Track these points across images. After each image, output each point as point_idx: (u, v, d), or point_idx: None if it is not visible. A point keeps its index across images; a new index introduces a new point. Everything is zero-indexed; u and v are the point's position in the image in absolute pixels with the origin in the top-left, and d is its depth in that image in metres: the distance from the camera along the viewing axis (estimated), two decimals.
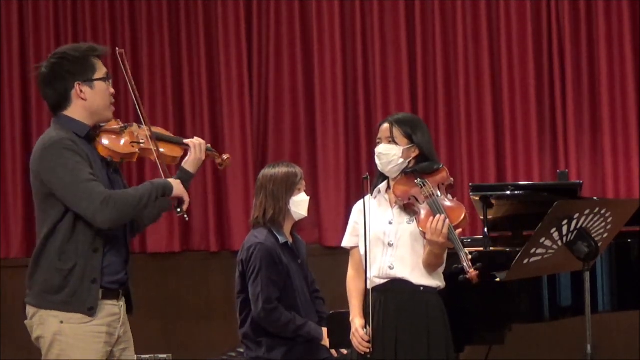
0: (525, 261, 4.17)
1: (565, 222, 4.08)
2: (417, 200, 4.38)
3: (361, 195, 4.57)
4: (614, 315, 5.78)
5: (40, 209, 4.01)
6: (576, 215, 4.08)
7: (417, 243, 4.39)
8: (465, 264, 4.24)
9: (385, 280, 4.41)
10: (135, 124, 4.20)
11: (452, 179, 4.48)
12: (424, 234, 4.30)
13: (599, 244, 4.16)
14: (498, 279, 4.40)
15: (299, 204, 5.27)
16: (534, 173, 7.14)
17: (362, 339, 4.38)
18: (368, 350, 4.36)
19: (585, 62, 7.15)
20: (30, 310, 4.04)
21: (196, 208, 7.52)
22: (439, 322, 4.41)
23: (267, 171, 5.33)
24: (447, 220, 4.25)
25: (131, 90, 4.20)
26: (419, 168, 4.44)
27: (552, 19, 7.16)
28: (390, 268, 4.40)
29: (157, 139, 4.20)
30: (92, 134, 4.06)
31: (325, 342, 5.15)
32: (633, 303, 5.46)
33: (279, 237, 5.22)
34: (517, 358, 6.61)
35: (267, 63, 7.48)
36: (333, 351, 5.22)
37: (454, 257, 4.34)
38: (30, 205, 7.73)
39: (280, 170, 5.30)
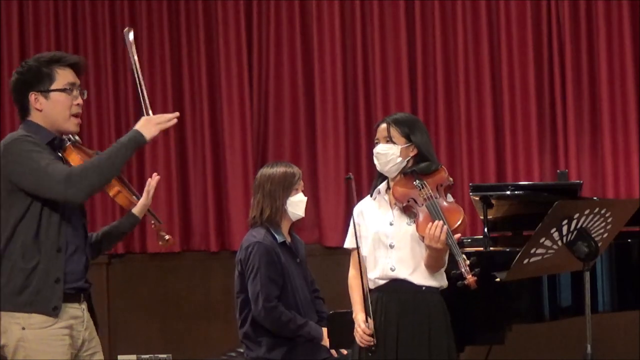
0: (525, 261, 4.16)
1: (565, 222, 4.08)
2: (415, 202, 4.36)
3: (361, 196, 4.57)
4: (614, 315, 5.78)
5: (2, 209, 3.97)
6: (576, 215, 4.07)
7: (418, 244, 4.38)
8: (463, 270, 4.23)
9: (387, 281, 4.42)
10: None
11: (451, 179, 4.46)
12: (422, 237, 4.29)
13: (599, 244, 4.15)
14: (498, 279, 4.40)
15: (296, 205, 5.26)
16: (534, 173, 7.14)
17: (364, 333, 4.37)
18: (371, 344, 4.35)
19: (585, 62, 7.15)
20: None
21: (196, 208, 7.52)
22: (441, 323, 4.41)
23: (265, 170, 5.32)
24: (445, 227, 4.23)
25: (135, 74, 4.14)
26: (418, 169, 4.42)
27: (552, 19, 7.16)
28: (392, 270, 4.40)
29: (121, 180, 4.19)
30: (57, 144, 4.04)
31: (325, 342, 5.14)
32: (633, 303, 5.46)
33: (276, 236, 5.22)
34: (517, 358, 6.61)
35: (267, 63, 7.48)
36: (333, 351, 5.22)
37: (454, 260, 4.33)
38: None
39: (278, 169, 5.28)
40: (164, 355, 7.27)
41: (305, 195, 5.32)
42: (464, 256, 4.27)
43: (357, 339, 4.40)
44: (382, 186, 4.51)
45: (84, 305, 4.06)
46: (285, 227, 5.30)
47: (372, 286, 4.44)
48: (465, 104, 7.24)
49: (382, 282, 4.42)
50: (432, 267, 4.38)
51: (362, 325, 4.39)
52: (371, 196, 4.53)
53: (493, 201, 5.59)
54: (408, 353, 4.35)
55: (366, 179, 7.31)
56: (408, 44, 7.33)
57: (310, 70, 7.45)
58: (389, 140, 4.45)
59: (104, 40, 7.61)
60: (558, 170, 6.68)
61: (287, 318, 5.15)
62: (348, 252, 4.62)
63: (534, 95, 7.17)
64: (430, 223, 4.25)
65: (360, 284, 4.49)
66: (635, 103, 7.08)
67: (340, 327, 4.89)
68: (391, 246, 4.41)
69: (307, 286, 5.37)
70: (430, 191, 4.36)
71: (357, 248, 4.43)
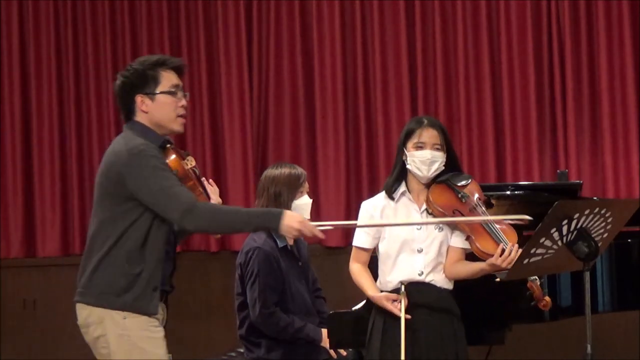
0: (525, 261, 4.16)
1: (565, 222, 4.07)
2: (461, 214, 4.37)
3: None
4: (614, 315, 5.78)
5: (111, 210, 3.99)
6: (576, 215, 4.07)
7: (443, 248, 4.42)
8: (536, 290, 4.36)
9: (408, 284, 4.42)
10: (192, 157, 4.23)
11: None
12: (484, 255, 4.30)
13: (599, 244, 4.15)
14: (498, 279, 4.40)
15: (302, 208, 5.14)
16: (534, 173, 7.14)
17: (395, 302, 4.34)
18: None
19: (585, 62, 7.15)
20: (84, 310, 4.02)
21: None
22: (461, 322, 4.46)
23: (270, 172, 5.22)
24: (519, 250, 4.24)
25: None
26: (452, 178, 4.44)
27: (552, 19, 7.17)
28: (420, 274, 4.41)
29: (199, 181, 4.24)
30: (163, 145, 4.10)
31: (325, 343, 5.12)
32: (633, 303, 5.45)
33: (278, 241, 5.14)
34: (517, 358, 6.61)
35: (267, 63, 7.48)
36: (332, 352, 5.19)
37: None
38: (30, 206, 7.78)
39: (283, 171, 5.18)
40: None
41: (310, 198, 5.25)
42: (536, 277, 4.37)
43: (390, 306, 4.35)
44: (403, 188, 4.48)
45: (164, 305, 4.23)
46: None
47: (390, 288, 4.43)
48: (465, 104, 7.24)
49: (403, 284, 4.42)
50: (467, 278, 4.41)
51: (391, 295, 4.35)
52: (392, 199, 4.47)
53: (493, 201, 5.57)
54: (438, 353, 4.37)
55: (366, 179, 7.30)
56: (408, 44, 7.33)
57: (310, 70, 7.44)
58: (439, 148, 4.43)
59: (104, 40, 7.61)
60: (558, 170, 6.67)
61: (285, 323, 5.11)
62: (348, 252, 4.60)
63: (534, 95, 7.17)
64: (501, 245, 4.28)
65: (368, 274, 4.47)
66: (635, 103, 7.08)
67: (340, 327, 4.88)
68: (419, 251, 4.41)
69: (309, 290, 5.31)
70: (476, 203, 4.38)
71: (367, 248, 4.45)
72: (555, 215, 4.05)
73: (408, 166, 4.43)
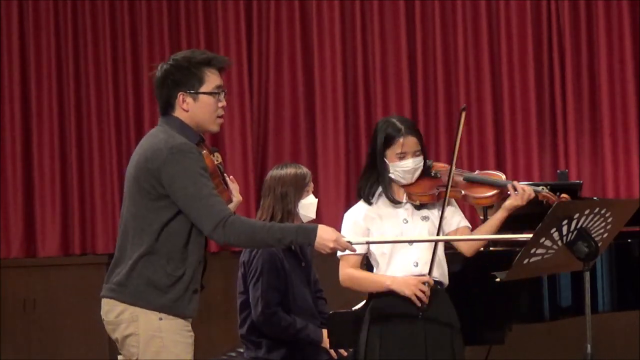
0: (525, 261, 4.16)
1: (565, 222, 4.07)
2: (444, 186, 4.43)
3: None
4: (614, 315, 5.78)
5: (144, 205, 3.93)
6: (576, 215, 4.07)
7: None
8: (550, 197, 4.47)
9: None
10: (218, 153, 4.18)
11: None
12: (492, 199, 4.46)
13: (599, 244, 4.15)
14: (498, 279, 4.40)
15: (308, 207, 5.17)
16: (534, 173, 7.14)
17: (420, 282, 4.36)
18: (425, 301, 4.36)
19: (585, 62, 7.15)
20: (117, 307, 3.95)
21: None
22: (457, 319, 4.48)
23: (276, 172, 5.23)
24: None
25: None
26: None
27: (552, 19, 7.17)
28: (415, 265, 4.43)
29: (224, 180, 4.20)
30: (198, 143, 4.04)
31: (325, 343, 5.12)
32: (633, 303, 5.45)
33: None
34: (517, 358, 6.61)
35: (267, 63, 7.48)
36: (332, 352, 5.19)
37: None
38: (30, 206, 7.78)
39: (289, 171, 5.19)
40: None
41: (315, 197, 5.24)
42: (542, 187, 4.54)
43: (412, 290, 4.35)
44: (380, 191, 4.51)
45: None
46: None
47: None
48: (466, 104, 7.24)
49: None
50: (491, 237, 4.52)
51: (422, 278, 4.37)
52: (369, 203, 4.50)
53: None
54: (435, 351, 4.40)
55: None
56: (408, 44, 7.33)
57: (310, 70, 7.45)
58: (420, 153, 4.46)
59: (104, 40, 7.61)
60: (558, 170, 6.67)
61: (286, 323, 5.11)
62: None
63: (534, 95, 7.17)
64: (502, 188, 4.43)
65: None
66: (635, 103, 7.09)
67: (340, 327, 4.88)
68: (410, 243, 4.43)
69: (311, 292, 5.31)
70: (447, 171, 4.43)
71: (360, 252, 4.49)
72: (555, 215, 4.05)
73: (391, 175, 4.46)
